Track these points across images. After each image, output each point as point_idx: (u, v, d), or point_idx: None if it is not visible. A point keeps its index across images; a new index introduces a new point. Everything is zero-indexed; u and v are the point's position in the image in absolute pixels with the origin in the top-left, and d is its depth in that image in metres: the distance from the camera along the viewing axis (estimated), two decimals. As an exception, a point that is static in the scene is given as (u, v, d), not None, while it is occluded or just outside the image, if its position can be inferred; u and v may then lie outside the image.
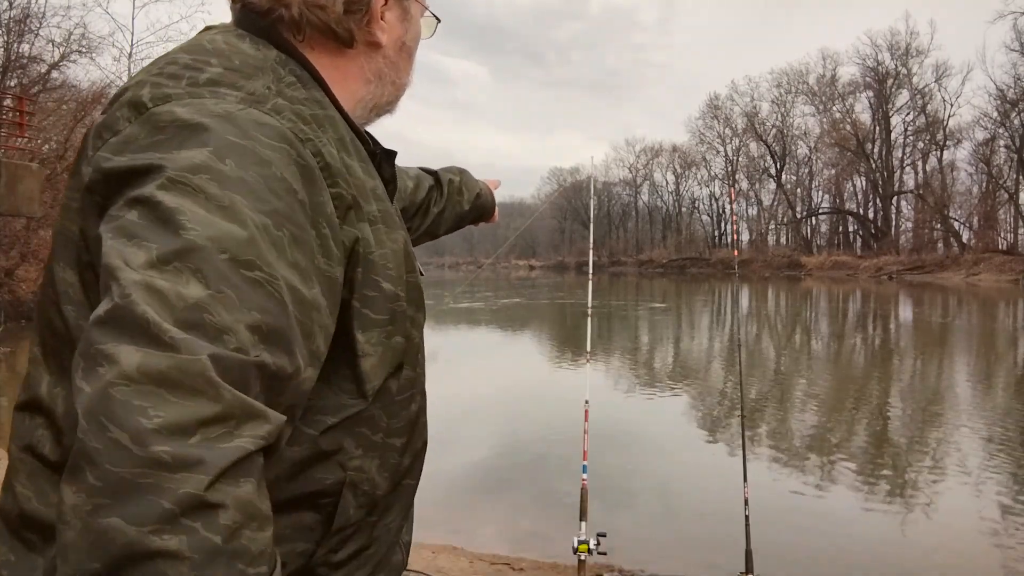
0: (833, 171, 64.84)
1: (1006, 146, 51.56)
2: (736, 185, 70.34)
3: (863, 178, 64.08)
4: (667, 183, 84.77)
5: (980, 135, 52.99)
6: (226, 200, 0.63)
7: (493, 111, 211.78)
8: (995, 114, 50.83)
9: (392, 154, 0.95)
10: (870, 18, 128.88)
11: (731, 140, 73.86)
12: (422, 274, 0.89)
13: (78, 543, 0.50)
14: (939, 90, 57.83)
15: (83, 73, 51.37)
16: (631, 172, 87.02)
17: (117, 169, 0.67)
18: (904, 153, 61.90)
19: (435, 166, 1.42)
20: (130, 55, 23.74)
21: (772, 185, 70.42)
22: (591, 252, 4.16)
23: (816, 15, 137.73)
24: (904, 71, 59.58)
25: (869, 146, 62.03)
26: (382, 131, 0.97)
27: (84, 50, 23.13)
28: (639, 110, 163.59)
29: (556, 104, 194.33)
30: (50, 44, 23.21)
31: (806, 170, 69.18)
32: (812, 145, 67.36)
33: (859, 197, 66.37)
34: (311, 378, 0.69)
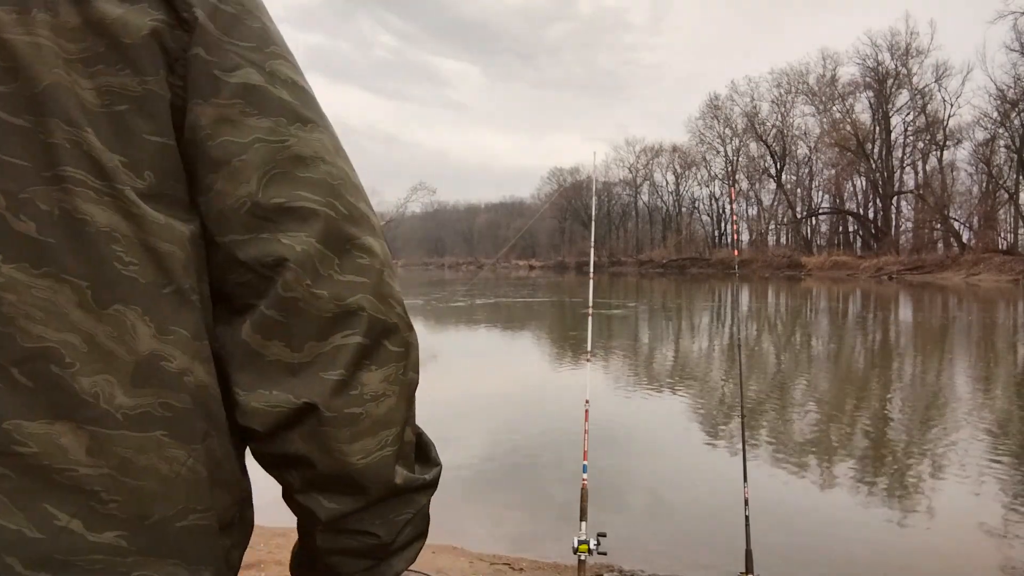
0: (833, 171, 64.70)
1: (1006, 146, 51.40)
2: (736, 185, 70.26)
3: (863, 178, 63.98)
4: (667, 183, 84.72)
5: (980, 135, 52.83)
6: (298, 67, 0.67)
7: (488, 111, 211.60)
8: (995, 114, 50.64)
9: None
10: (870, 18, 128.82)
11: (731, 140, 73.72)
12: None
13: (401, 395, 0.68)
14: (939, 90, 57.69)
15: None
16: (631, 172, 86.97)
17: (226, 12, 0.61)
18: (904, 153, 61.76)
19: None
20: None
21: (772, 185, 70.33)
22: (592, 252, 4.15)
23: (816, 15, 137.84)
24: (904, 71, 59.45)
25: (869, 146, 61.90)
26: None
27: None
28: (635, 110, 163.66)
29: (551, 104, 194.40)
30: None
31: (806, 170, 69.09)
32: (812, 145, 67.25)
33: (859, 197, 66.29)
34: None
